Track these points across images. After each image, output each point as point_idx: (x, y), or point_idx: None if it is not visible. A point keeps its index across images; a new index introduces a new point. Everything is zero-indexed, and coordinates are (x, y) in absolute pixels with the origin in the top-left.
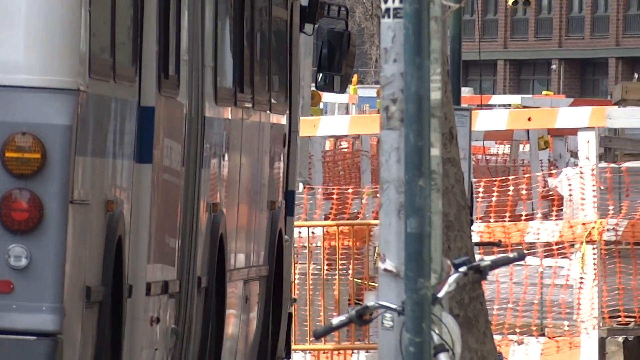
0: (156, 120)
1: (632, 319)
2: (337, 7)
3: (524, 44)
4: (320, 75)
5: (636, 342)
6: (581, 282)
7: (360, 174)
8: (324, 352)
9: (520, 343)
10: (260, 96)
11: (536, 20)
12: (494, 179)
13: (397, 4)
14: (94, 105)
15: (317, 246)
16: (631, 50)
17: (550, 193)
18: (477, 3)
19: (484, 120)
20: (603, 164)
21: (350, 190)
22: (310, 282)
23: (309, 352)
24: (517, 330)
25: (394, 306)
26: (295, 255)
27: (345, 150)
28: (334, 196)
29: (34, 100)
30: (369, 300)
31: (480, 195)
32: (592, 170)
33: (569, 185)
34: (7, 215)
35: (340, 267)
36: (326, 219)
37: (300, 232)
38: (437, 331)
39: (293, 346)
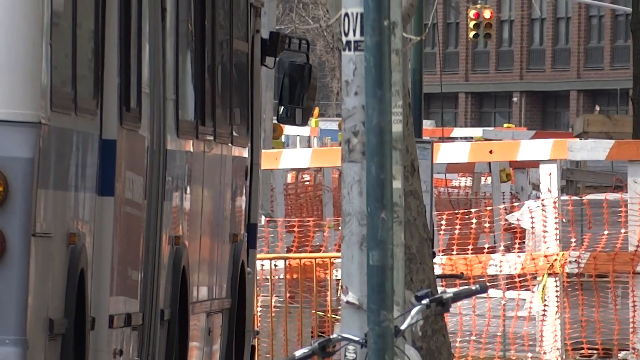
0: (118, 153)
1: (595, 351)
2: (298, 40)
3: (486, 77)
4: (282, 108)
5: None
6: (544, 315)
7: (323, 207)
8: None
9: None
10: (222, 129)
11: (497, 53)
12: (456, 211)
13: (358, 37)
14: (56, 138)
15: (279, 278)
16: (592, 82)
17: (513, 225)
18: (438, 36)
19: (445, 153)
20: (565, 197)
21: (312, 223)
22: (273, 314)
23: None
24: None
25: (356, 338)
26: (257, 288)
27: (308, 183)
28: (296, 229)
29: None
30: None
31: (443, 227)
32: (554, 202)
33: (531, 217)
34: None
35: (302, 299)
36: (288, 251)
37: (262, 265)
38: None
39: None
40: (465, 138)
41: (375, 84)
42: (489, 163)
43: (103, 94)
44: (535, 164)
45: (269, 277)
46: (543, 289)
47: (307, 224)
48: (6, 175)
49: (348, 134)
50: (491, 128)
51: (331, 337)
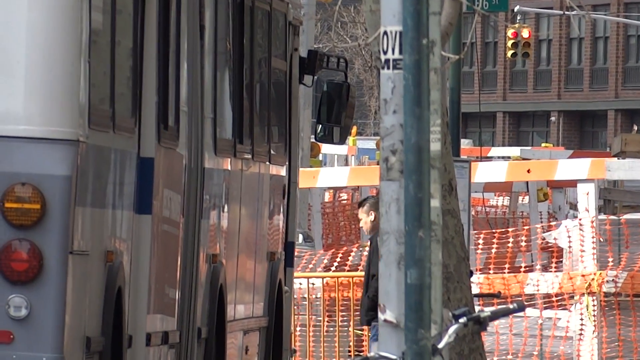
0: (155, 171)
1: None
2: (337, 59)
3: (523, 96)
4: (320, 126)
5: None
6: (581, 334)
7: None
8: None
9: None
10: (260, 147)
11: (535, 72)
12: (493, 230)
13: (397, 55)
14: (94, 156)
15: (316, 297)
16: (630, 102)
17: (550, 245)
18: (476, 55)
19: (483, 172)
20: (602, 216)
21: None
22: (311, 333)
23: None
24: None
25: (394, 357)
26: (295, 307)
27: (345, 201)
28: (334, 247)
29: (34, 150)
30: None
31: (480, 246)
32: (592, 222)
33: (569, 237)
34: (7, 265)
35: (340, 318)
36: (326, 270)
37: (300, 284)
38: None
39: None
40: (503, 157)
41: (414, 102)
42: (527, 182)
43: (141, 112)
44: (573, 183)
45: (306, 295)
46: (587, 308)
47: (343, 242)
48: (44, 193)
49: (386, 152)
50: (529, 147)
51: (369, 355)
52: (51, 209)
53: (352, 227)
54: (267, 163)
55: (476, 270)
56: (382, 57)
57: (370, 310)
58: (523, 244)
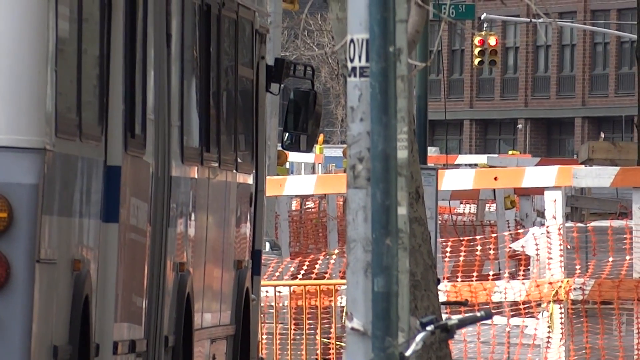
0: (122, 180)
1: None
2: (303, 67)
3: (490, 104)
4: (287, 134)
5: None
6: (548, 342)
7: (327, 234)
8: None
9: None
10: (227, 155)
11: (502, 80)
12: (460, 238)
13: (363, 63)
14: (61, 165)
15: (283, 305)
16: (597, 109)
17: (518, 253)
18: (443, 63)
19: (450, 180)
20: (570, 224)
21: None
22: (278, 341)
23: None
24: None
25: None
26: (262, 315)
27: (312, 209)
28: (301, 256)
29: (0, 159)
30: None
31: (447, 254)
32: (559, 229)
33: (536, 244)
34: None
35: (307, 326)
36: (293, 278)
37: (267, 292)
38: None
39: None
40: (470, 165)
41: (381, 110)
42: (494, 190)
43: (108, 120)
44: (540, 190)
45: (273, 303)
46: (551, 316)
47: (311, 250)
48: (10, 202)
49: (353, 160)
50: (496, 155)
51: None
52: (18, 217)
53: (319, 235)
54: (234, 171)
55: (443, 278)
56: (349, 65)
57: None
58: (491, 251)
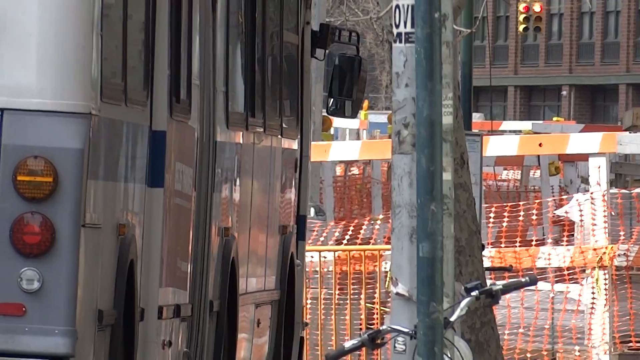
0: (167, 145)
1: None
2: (348, 33)
3: (535, 70)
4: (331, 100)
5: None
6: (592, 308)
7: (372, 199)
8: None
9: None
10: (272, 121)
11: (546, 47)
12: (504, 204)
13: (409, 29)
14: (106, 129)
15: (328, 271)
16: None
17: (561, 218)
18: (487, 29)
19: (495, 146)
20: (614, 190)
21: (357, 215)
22: (322, 306)
23: None
24: (528, 355)
25: (406, 330)
26: (306, 280)
27: (357, 175)
28: (345, 221)
29: (46, 123)
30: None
31: (491, 220)
32: (603, 196)
33: (580, 211)
34: (19, 238)
35: (351, 291)
36: (338, 243)
37: (312, 257)
38: (449, 355)
39: None
40: (514, 131)
41: (426, 76)
42: (538, 156)
43: (153, 86)
44: (585, 157)
45: (318, 269)
46: (597, 282)
47: (355, 216)
48: (56, 166)
49: (398, 126)
50: (540, 121)
51: (381, 328)
52: (63, 182)
53: (364, 200)
54: (279, 136)
55: (488, 243)
56: (394, 31)
57: None
58: (534, 217)
